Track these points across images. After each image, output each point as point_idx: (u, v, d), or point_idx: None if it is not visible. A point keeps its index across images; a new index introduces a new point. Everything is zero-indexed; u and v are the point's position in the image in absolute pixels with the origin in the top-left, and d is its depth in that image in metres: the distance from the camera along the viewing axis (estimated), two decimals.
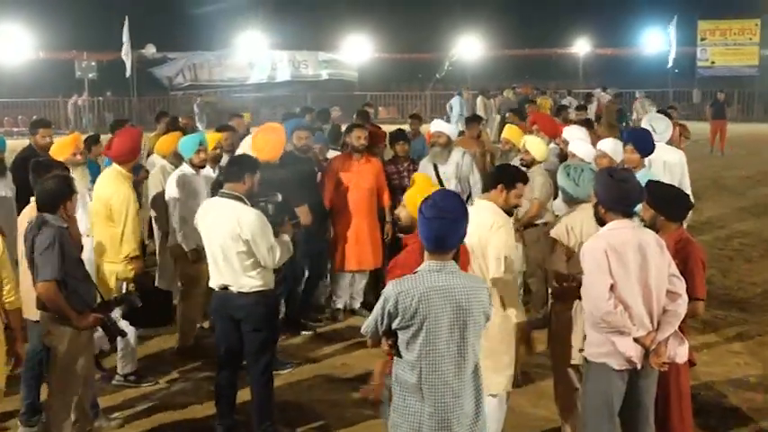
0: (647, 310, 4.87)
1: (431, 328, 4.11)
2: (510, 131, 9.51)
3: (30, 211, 6.06)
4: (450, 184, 8.90)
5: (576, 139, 8.56)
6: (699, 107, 35.36)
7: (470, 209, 5.27)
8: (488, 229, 5.47)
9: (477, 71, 44.31)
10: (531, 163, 8.36)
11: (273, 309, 6.31)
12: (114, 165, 7.20)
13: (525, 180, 5.80)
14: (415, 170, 9.37)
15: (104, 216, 6.95)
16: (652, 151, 7.44)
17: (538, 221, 8.34)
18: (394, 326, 4.17)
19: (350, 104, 27.76)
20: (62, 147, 7.70)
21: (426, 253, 4.23)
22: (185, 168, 7.86)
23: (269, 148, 7.77)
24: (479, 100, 28.35)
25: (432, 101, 39.91)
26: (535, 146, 8.43)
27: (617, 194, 4.95)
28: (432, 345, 4.13)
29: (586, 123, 11.56)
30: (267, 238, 5.90)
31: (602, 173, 5.18)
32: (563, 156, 8.73)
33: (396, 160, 9.59)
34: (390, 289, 4.16)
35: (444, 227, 4.15)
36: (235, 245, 5.92)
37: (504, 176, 5.74)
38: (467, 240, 5.19)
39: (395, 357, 4.27)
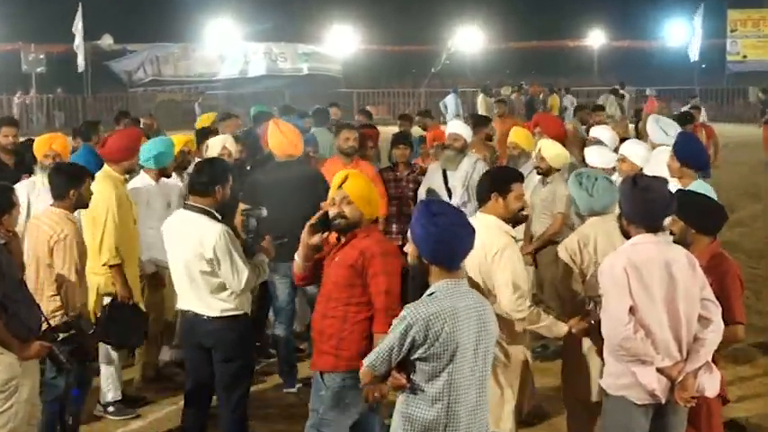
0: (675, 336, 4.86)
1: (460, 354, 4.14)
2: (517, 134, 9.51)
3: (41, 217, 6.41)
4: (456, 193, 8.87)
5: (594, 144, 8.55)
6: (754, 108, 35.22)
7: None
8: (491, 253, 5.45)
9: (477, 66, 44.49)
10: (547, 171, 8.37)
11: (248, 335, 6.28)
12: (105, 165, 7.40)
13: (520, 178, 5.76)
14: (416, 179, 9.36)
15: (89, 221, 7.13)
16: (700, 162, 7.31)
17: (558, 239, 8.26)
18: (416, 355, 4.16)
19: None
20: (36, 147, 7.77)
21: (438, 271, 4.27)
22: (142, 179, 7.83)
23: (294, 144, 7.91)
24: (480, 99, 28.35)
25: (426, 99, 39.97)
26: (550, 151, 8.41)
27: (640, 205, 4.95)
28: (458, 374, 4.16)
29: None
30: (232, 259, 5.87)
31: (626, 180, 5.18)
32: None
33: (395, 167, 9.55)
34: (415, 313, 4.14)
35: (462, 242, 4.25)
36: (198, 264, 5.91)
37: (494, 183, 5.69)
38: (469, 260, 5.24)
39: (406, 393, 4.25)
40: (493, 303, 5.50)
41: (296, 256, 5.60)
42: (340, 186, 5.35)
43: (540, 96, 32.20)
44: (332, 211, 5.34)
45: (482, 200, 5.72)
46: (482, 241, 5.41)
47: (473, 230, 4.34)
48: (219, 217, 6.00)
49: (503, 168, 6.28)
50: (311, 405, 5.61)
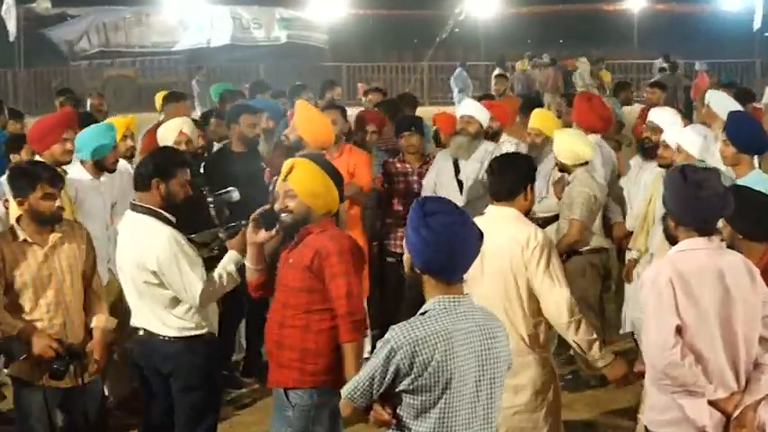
0: (731, 362, 4.87)
1: (455, 387, 4.12)
2: (540, 118, 9.51)
3: None
4: (468, 188, 8.90)
5: (651, 129, 8.44)
6: None
7: (483, 219, 5.43)
8: (531, 247, 5.70)
9: (492, 34, 44.33)
10: (563, 168, 8.41)
11: (214, 359, 6.29)
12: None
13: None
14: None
15: None
16: (760, 145, 7.30)
17: (582, 248, 8.32)
18: (401, 387, 4.14)
19: (318, 79, 27.70)
20: None
21: (433, 284, 4.25)
22: (75, 171, 7.77)
23: (326, 132, 8.06)
24: (496, 73, 28.39)
25: (430, 75, 39.94)
26: (558, 144, 8.40)
27: (691, 204, 4.93)
28: (453, 410, 4.14)
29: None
30: (180, 269, 5.90)
31: (674, 172, 5.16)
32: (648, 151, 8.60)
33: (402, 157, 9.52)
34: (400, 336, 4.11)
35: (464, 248, 4.21)
36: (141, 275, 5.98)
37: (529, 172, 6.00)
38: (491, 262, 5.54)
39: (391, 430, 4.25)
40: (529, 310, 5.77)
41: (245, 261, 5.80)
42: (285, 179, 5.58)
43: (577, 70, 32.11)
44: (277, 206, 5.58)
45: (511, 193, 5.91)
46: (512, 234, 5.74)
47: (480, 234, 4.30)
48: (172, 218, 6.03)
49: (526, 156, 6.44)
50: (273, 428, 5.77)
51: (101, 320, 6.35)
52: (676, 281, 4.82)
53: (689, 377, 4.81)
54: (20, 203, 6.11)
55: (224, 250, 6.21)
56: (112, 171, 7.79)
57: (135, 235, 6.01)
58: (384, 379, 4.13)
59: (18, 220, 6.19)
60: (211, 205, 6.40)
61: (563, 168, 8.36)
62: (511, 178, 5.94)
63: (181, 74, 37.26)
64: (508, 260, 5.67)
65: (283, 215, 5.57)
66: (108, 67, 36.58)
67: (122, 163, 8.10)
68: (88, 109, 13.14)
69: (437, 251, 4.17)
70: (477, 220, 5.04)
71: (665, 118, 8.65)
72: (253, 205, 6.40)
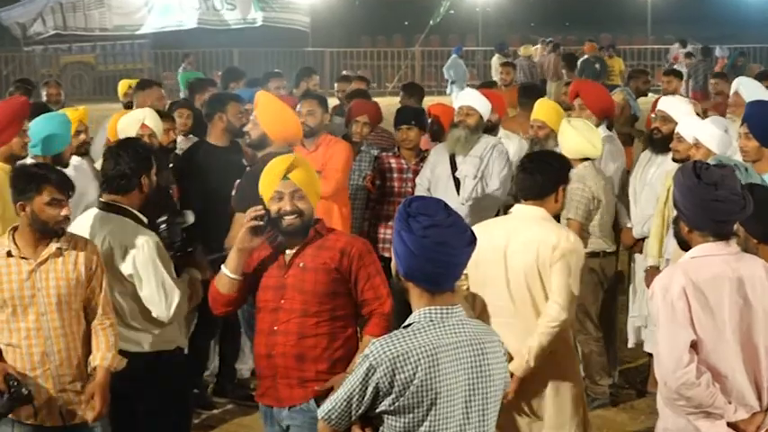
0: (751, 379, 4.89)
1: (441, 408, 4.10)
2: (543, 109, 9.47)
3: None
4: (466, 186, 8.90)
5: (684, 115, 8.35)
6: None
7: (507, 218, 5.49)
8: (560, 248, 5.85)
9: (491, 16, 44.41)
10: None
11: (181, 377, 6.29)
12: None
13: None
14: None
15: None
16: None
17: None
18: (382, 408, 4.12)
19: (298, 65, 27.64)
20: None
21: (418, 293, 4.23)
22: None
23: (292, 127, 7.85)
24: (495, 60, 28.49)
25: (422, 61, 39.90)
26: (563, 137, 8.41)
27: (705, 205, 4.90)
28: None
29: None
30: (158, 276, 5.92)
31: (685, 170, 5.08)
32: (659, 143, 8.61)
33: (398, 152, 9.48)
34: (379, 352, 4.09)
35: (452, 254, 4.17)
36: (112, 283, 5.95)
37: (563, 172, 6.16)
38: (515, 260, 5.69)
39: None
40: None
41: (224, 269, 5.60)
42: (285, 176, 5.46)
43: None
44: (281, 208, 5.44)
45: (541, 193, 6.05)
46: (540, 235, 5.90)
47: (471, 239, 4.25)
48: (145, 219, 6.04)
49: (561, 155, 6.55)
50: None
51: (105, 358, 5.87)
52: (690, 291, 4.81)
53: (706, 397, 4.80)
54: (21, 208, 5.76)
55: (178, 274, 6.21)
56: (66, 167, 7.75)
57: (102, 238, 6.00)
58: (363, 399, 4.11)
59: (14, 231, 5.89)
60: (163, 225, 6.30)
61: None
62: (543, 177, 6.05)
63: (145, 60, 37.17)
64: (534, 256, 5.80)
65: (290, 218, 5.43)
66: (65, 53, 36.51)
67: (75, 159, 8.06)
68: (44, 99, 13.07)
69: (419, 257, 4.14)
70: (502, 220, 5.10)
71: (677, 108, 8.61)
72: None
